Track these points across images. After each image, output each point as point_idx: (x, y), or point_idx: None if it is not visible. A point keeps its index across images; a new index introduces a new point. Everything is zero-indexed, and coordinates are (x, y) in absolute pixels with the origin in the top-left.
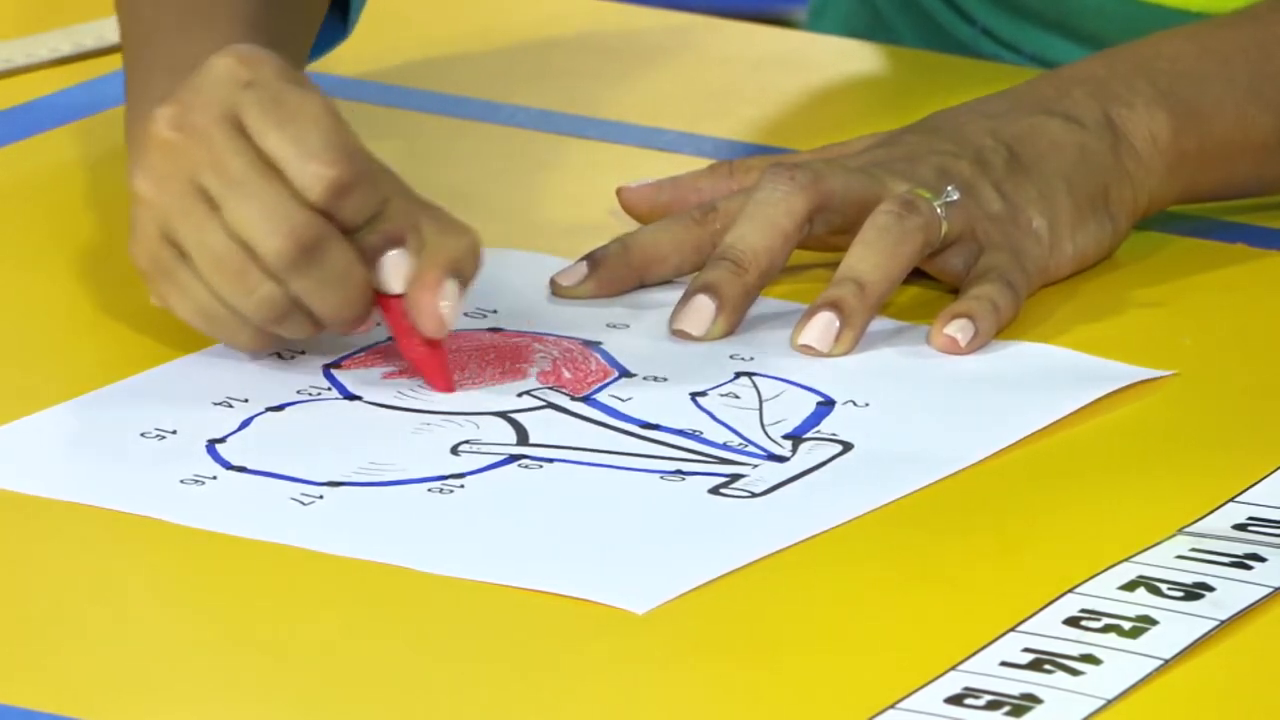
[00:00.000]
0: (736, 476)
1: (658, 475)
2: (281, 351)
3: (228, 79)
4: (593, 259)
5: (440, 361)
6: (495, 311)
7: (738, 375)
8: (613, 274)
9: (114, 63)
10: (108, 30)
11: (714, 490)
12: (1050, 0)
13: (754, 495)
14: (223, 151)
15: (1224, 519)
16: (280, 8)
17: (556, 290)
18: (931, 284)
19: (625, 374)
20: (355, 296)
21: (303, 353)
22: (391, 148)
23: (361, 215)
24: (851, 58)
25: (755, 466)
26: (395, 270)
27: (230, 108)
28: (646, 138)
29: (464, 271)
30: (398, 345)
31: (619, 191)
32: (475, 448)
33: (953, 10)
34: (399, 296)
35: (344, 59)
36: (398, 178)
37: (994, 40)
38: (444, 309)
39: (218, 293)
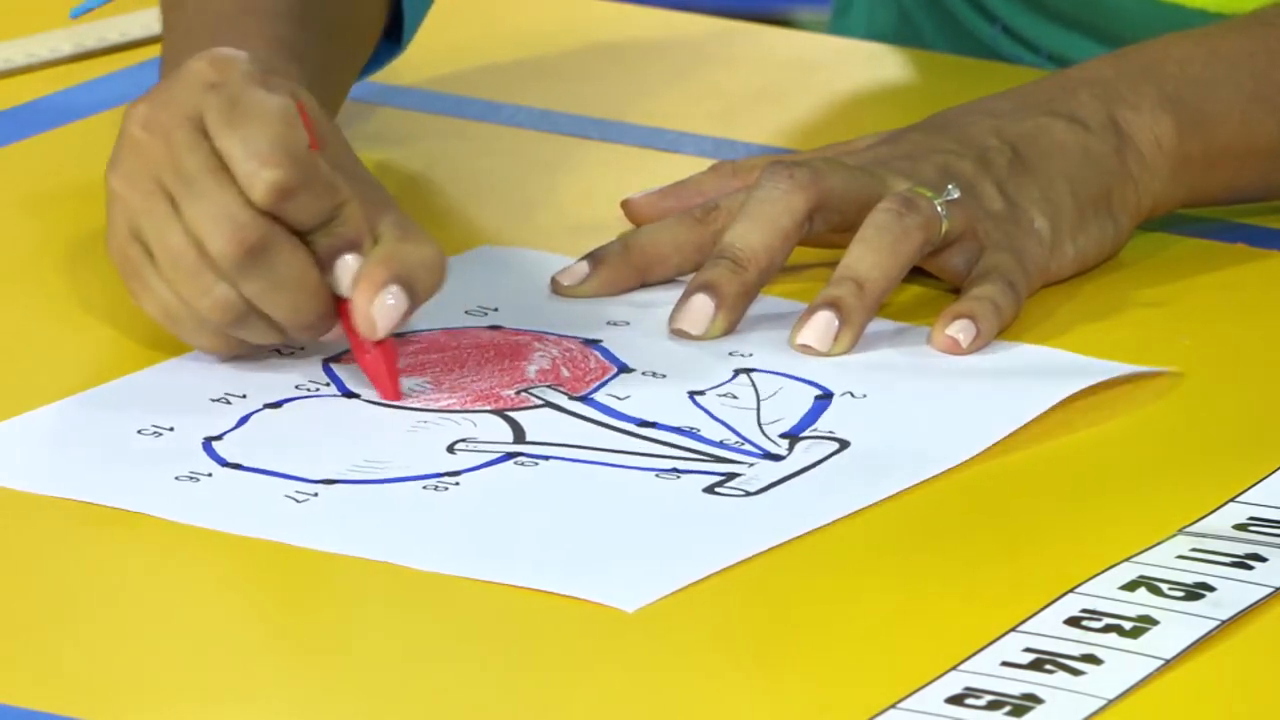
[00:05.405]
0: (732, 475)
1: (653, 474)
2: (281, 348)
3: (197, 80)
4: (594, 258)
5: (387, 368)
6: (496, 309)
7: (736, 374)
8: (614, 273)
9: (115, 63)
10: (108, 30)
11: (709, 489)
12: None
13: (748, 494)
14: (180, 151)
15: (1225, 519)
16: (321, 29)
17: (557, 290)
18: (932, 284)
19: (624, 369)
20: (309, 300)
21: (302, 349)
22: (392, 148)
23: (312, 219)
24: (857, 60)
25: (751, 465)
26: (346, 274)
27: (194, 108)
28: (647, 138)
29: (415, 281)
30: (351, 350)
31: (624, 203)
32: (471, 446)
33: (973, 8)
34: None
35: None
36: (374, 185)
37: (1013, 39)
38: (377, 311)
39: (177, 292)
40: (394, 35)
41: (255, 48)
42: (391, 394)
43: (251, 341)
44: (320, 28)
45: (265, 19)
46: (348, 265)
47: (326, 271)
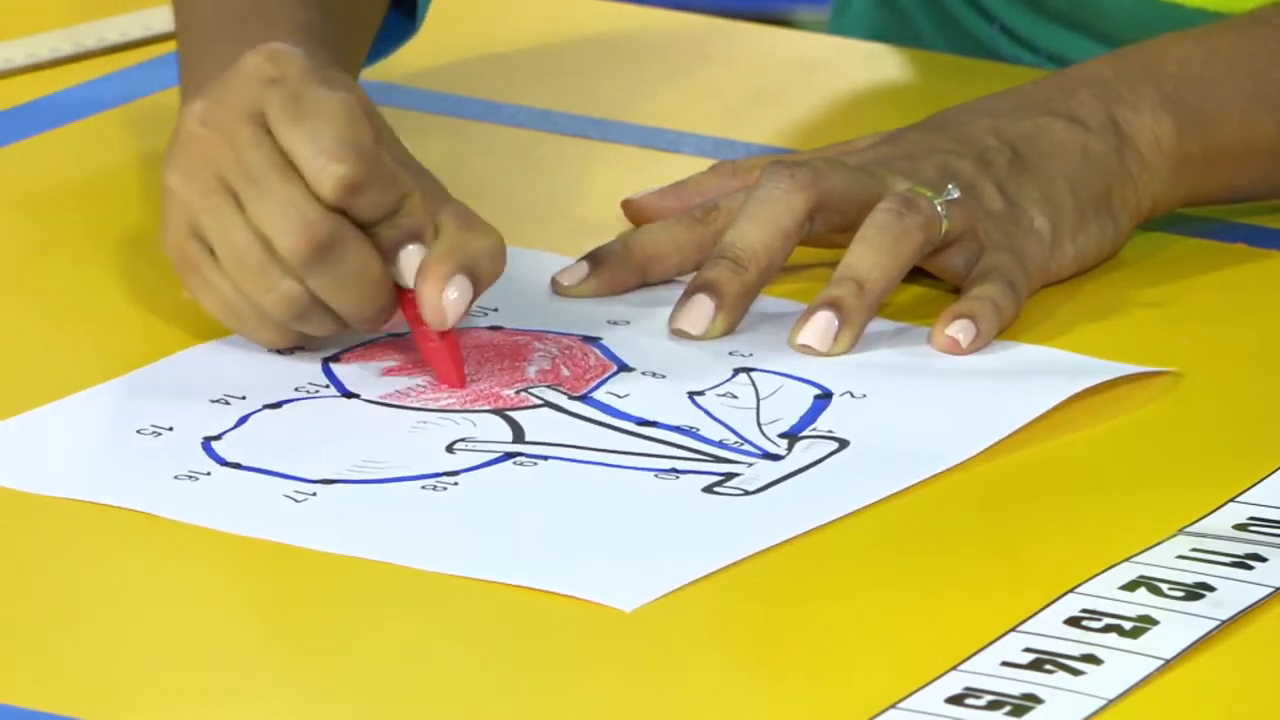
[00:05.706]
0: (731, 475)
1: (652, 474)
2: (280, 349)
3: (255, 76)
4: (594, 258)
5: (451, 356)
6: (496, 310)
7: (736, 373)
8: (614, 273)
9: (115, 63)
10: (109, 30)
11: (707, 489)
12: None
13: (747, 493)
14: (244, 147)
15: (1225, 519)
16: (335, 10)
17: (558, 289)
18: (932, 284)
19: (624, 367)
20: (373, 293)
21: (301, 348)
22: None
23: (377, 212)
24: (856, 60)
25: (750, 465)
26: (410, 265)
27: (255, 104)
28: (647, 138)
29: (479, 270)
30: (414, 339)
31: (624, 203)
32: (470, 445)
33: (972, 7)
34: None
35: None
36: (429, 176)
37: (1012, 39)
38: (446, 301)
39: (240, 288)
40: (407, 14)
41: (281, 33)
42: (457, 381)
43: (312, 334)
44: (334, 11)
45: (286, 5)
46: (412, 257)
47: (389, 263)
